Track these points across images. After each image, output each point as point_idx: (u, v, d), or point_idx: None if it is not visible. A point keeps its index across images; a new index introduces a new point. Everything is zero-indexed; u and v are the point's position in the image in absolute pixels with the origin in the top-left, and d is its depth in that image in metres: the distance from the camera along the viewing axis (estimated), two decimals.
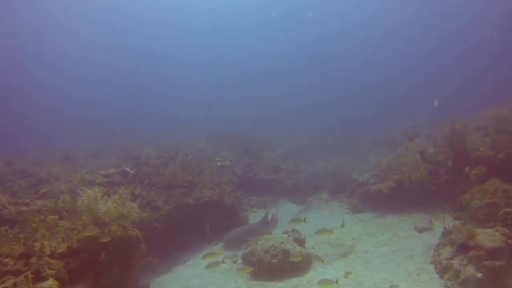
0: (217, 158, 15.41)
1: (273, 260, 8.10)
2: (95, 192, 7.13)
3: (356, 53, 53.24)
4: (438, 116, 16.62)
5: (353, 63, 50.55)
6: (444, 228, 7.42)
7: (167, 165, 13.15)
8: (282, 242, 8.41)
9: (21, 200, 10.14)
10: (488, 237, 6.23)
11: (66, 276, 5.87)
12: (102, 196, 7.24)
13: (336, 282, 6.45)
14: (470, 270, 5.93)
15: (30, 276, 5.33)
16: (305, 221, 8.47)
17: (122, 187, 12.20)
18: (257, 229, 10.48)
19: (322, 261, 7.89)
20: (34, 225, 6.40)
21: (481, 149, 9.48)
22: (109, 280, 6.71)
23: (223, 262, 7.49)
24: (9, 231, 6.15)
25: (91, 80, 56.74)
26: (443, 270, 6.47)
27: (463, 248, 6.29)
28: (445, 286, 6.19)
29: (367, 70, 48.00)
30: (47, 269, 5.64)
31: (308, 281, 7.51)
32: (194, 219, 10.67)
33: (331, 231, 8.21)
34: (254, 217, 12.88)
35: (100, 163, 16.21)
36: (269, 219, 11.42)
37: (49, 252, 5.90)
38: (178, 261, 9.65)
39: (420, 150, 11.35)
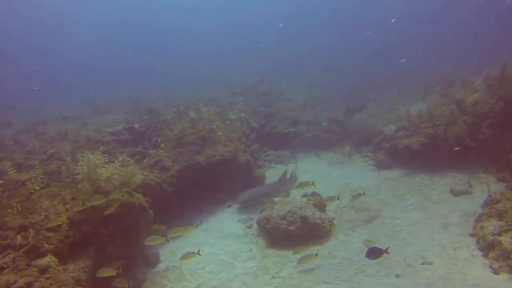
0: (232, 111, 14.37)
1: (291, 227, 7.35)
2: (96, 158, 6.43)
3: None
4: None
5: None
6: (490, 195, 6.34)
7: (178, 120, 12.29)
8: (301, 208, 7.60)
9: (30, 162, 9.90)
10: None
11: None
12: (104, 163, 6.55)
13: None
14: None
15: None
16: (314, 185, 7.57)
17: (129, 145, 11.74)
18: (273, 190, 9.70)
19: (330, 228, 7.35)
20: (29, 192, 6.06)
21: None
22: (113, 250, 6.27)
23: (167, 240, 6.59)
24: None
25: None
26: (487, 247, 5.48)
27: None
28: (490, 267, 5.22)
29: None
30: (45, 244, 5.23)
31: (329, 252, 6.74)
32: (206, 178, 9.94)
33: (339, 197, 7.52)
34: (272, 173, 12.10)
35: (110, 118, 15.57)
36: (287, 177, 10.58)
37: (48, 225, 5.47)
38: (190, 224, 9.05)
39: (457, 99, 9.93)
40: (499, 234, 5.40)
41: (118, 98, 21.20)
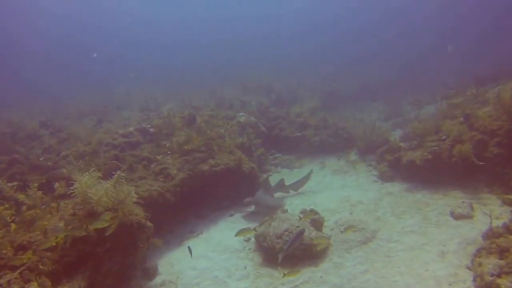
0: (241, 114, 13.90)
1: (286, 247, 6.91)
2: (88, 178, 6.13)
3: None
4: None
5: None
6: (491, 229, 5.69)
7: (186, 125, 11.93)
8: (297, 226, 7.14)
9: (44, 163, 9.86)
10: None
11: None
12: (97, 182, 6.21)
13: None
14: None
15: None
16: (255, 230, 7.24)
17: (140, 147, 11.45)
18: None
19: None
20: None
21: None
22: (111, 266, 6.04)
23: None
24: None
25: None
26: (485, 287, 4.92)
27: None
28: None
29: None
30: (40, 266, 4.98)
31: (321, 276, 6.28)
32: (210, 186, 9.60)
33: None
34: (276, 179, 11.55)
35: (126, 116, 15.39)
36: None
37: (42, 247, 5.21)
38: (191, 232, 8.75)
39: (466, 113, 9.13)
40: (499, 276, 4.80)
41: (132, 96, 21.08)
